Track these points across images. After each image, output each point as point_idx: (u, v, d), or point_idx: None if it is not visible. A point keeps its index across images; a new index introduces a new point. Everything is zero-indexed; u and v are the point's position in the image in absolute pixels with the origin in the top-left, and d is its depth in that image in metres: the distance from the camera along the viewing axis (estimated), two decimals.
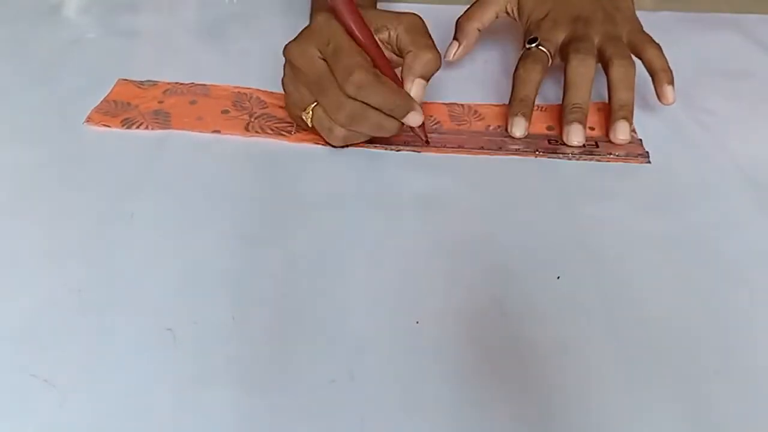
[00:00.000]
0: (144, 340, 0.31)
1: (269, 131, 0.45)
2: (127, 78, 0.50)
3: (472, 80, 0.52)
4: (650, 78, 0.46)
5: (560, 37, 0.47)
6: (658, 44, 0.47)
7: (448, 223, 0.39)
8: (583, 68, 0.45)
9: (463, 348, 0.32)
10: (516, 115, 0.45)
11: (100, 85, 0.49)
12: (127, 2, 0.63)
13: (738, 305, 0.34)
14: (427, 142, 0.44)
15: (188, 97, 0.48)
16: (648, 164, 0.44)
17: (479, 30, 0.51)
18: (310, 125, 0.42)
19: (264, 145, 0.44)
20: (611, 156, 0.44)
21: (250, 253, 0.36)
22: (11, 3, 0.61)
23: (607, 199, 0.41)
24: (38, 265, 0.35)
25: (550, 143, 0.45)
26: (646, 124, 0.47)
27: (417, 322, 0.33)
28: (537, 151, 0.44)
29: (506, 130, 0.46)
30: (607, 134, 0.46)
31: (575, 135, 0.44)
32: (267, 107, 0.48)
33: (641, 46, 0.47)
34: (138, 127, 0.45)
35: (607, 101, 0.47)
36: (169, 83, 0.50)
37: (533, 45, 0.47)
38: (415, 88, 0.41)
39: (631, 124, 0.45)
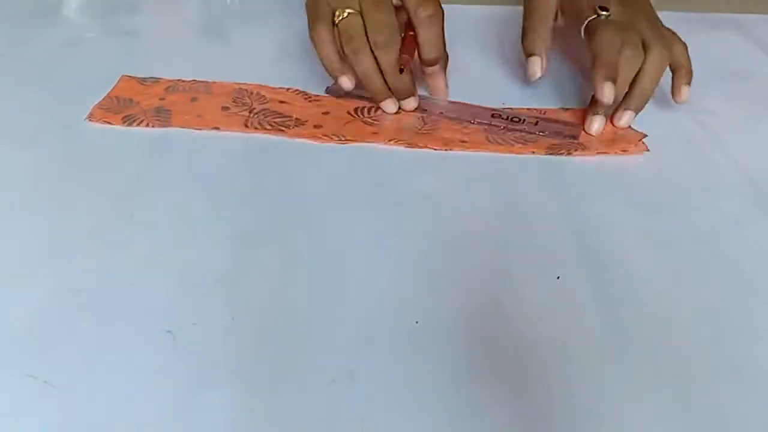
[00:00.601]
0: (144, 342, 0.31)
1: (268, 126, 0.45)
2: (130, 75, 0.51)
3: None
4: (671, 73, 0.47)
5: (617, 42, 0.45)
6: (684, 42, 0.47)
7: (448, 222, 0.39)
8: (633, 63, 0.44)
9: (463, 348, 0.32)
10: (608, 79, 0.43)
11: (100, 84, 0.49)
12: (127, 2, 0.63)
13: (738, 305, 0.34)
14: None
15: (190, 95, 0.48)
16: (645, 164, 0.44)
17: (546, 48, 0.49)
18: (334, 26, 0.44)
19: (263, 143, 0.44)
20: (543, 134, 0.45)
21: (249, 254, 0.36)
22: (11, 3, 0.61)
23: (607, 198, 0.41)
24: (38, 266, 0.35)
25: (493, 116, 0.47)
26: (646, 123, 0.47)
27: (417, 322, 0.33)
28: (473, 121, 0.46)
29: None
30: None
31: (598, 124, 0.45)
32: (267, 102, 0.48)
33: (670, 41, 0.47)
34: (139, 125, 0.45)
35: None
36: (171, 80, 0.50)
37: (604, 14, 0.46)
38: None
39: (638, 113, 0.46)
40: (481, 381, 0.30)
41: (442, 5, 0.45)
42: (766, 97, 0.51)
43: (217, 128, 0.45)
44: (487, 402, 0.29)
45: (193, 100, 0.48)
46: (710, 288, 0.35)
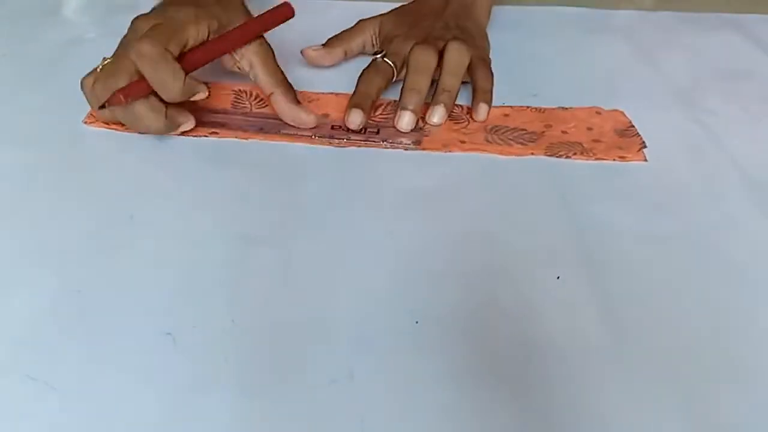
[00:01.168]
0: (144, 343, 0.31)
1: (266, 132, 0.45)
2: None
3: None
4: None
5: (408, 48, 0.47)
6: (491, 71, 0.49)
7: (448, 223, 0.39)
8: (424, 56, 0.46)
9: (463, 348, 0.32)
10: (354, 106, 0.45)
11: None
12: (127, 2, 0.63)
13: (738, 305, 0.34)
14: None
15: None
16: (645, 163, 0.44)
17: (345, 53, 0.53)
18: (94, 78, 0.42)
19: (262, 146, 0.44)
20: (385, 143, 0.45)
21: (249, 255, 0.36)
22: (11, 3, 0.61)
23: (607, 199, 0.41)
24: (37, 267, 0.35)
25: (333, 128, 0.46)
26: (646, 123, 0.47)
27: (417, 322, 0.33)
28: (314, 136, 0.45)
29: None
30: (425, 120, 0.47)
31: (408, 120, 0.45)
32: (265, 106, 0.48)
33: (475, 63, 0.48)
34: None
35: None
36: None
37: (379, 57, 0.48)
38: (307, 116, 0.45)
39: (449, 110, 0.46)
40: (481, 381, 0.30)
41: None
42: (766, 97, 0.51)
43: (215, 133, 0.45)
44: (487, 402, 0.29)
45: (191, 103, 0.48)
46: (710, 288, 0.35)
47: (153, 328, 0.32)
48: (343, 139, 0.45)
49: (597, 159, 0.44)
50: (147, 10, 0.43)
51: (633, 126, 0.47)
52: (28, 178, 0.41)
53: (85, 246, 0.36)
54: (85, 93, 0.43)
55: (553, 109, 0.49)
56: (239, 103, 0.48)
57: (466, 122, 0.47)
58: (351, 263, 0.36)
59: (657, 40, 0.58)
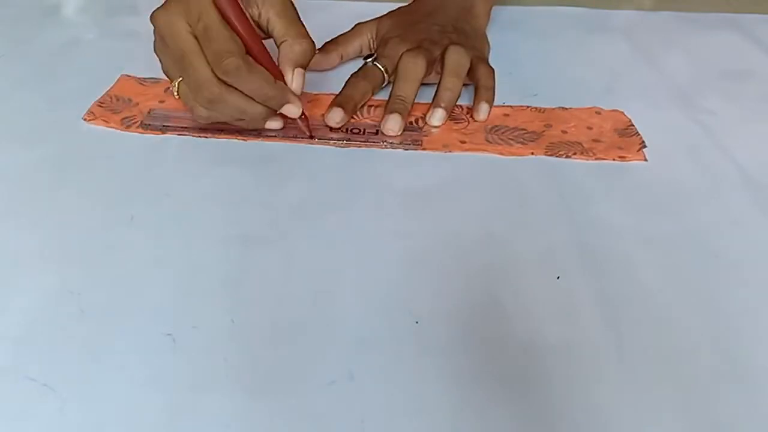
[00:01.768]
0: (143, 344, 0.31)
1: (265, 135, 0.45)
2: (129, 74, 0.51)
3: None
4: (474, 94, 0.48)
5: (402, 51, 0.47)
6: (492, 68, 0.49)
7: (448, 223, 0.39)
8: (413, 64, 0.46)
9: (463, 348, 0.32)
10: (336, 105, 0.45)
11: (100, 85, 0.49)
12: (127, 2, 0.63)
13: (738, 305, 0.34)
14: (312, 136, 0.44)
15: None
16: (645, 163, 0.44)
17: (342, 57, 0.53)
18: (176, 97, 0.42)
19: (262, 146, 0.44)
20: (385, 143, 0.45)
21: (249, 256, 0.36)
22: (11, 3, 0.61)
23: (607, 199, 0.41)
24: (37, 268, 0.35)
25: (331, 130, 0.46)
26: (646, 123, 0.47)
27: (417, 323, 0.33)
28: (313, 137, 0.45)
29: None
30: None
31: (392, 123, 0.45)
32: None
33: (475, 64, 0.48)
34: (137, 128, 0.45)
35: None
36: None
37: (369, 60, 0.48)
38: (295, 79, 0.41)
39: (449, 111, 0.46)
40: (482, 381, 0.30)
41: None
42: (766, 97, 0.51)
43: (214, 136, 0.45)
44: (487, 402, 0.29)
45: None
46: (710, 288, 0.35)
47: (153, 328, 0.32)
48: (342, 140, 0.45)
49: (597, 159, 0.44)
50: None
51: (633, 125, 0.47)
52: (27, 178, 0.41)
53: (86, 246, 0.36)
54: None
55: (553, 108, 0.49)
56: None
57: (466, 122, 0.47)
58: (351, 262, 0.36)
59: (657, 40, 0.58)
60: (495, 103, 0.48)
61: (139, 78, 0.50)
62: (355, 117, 0.47)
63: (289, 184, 0.41)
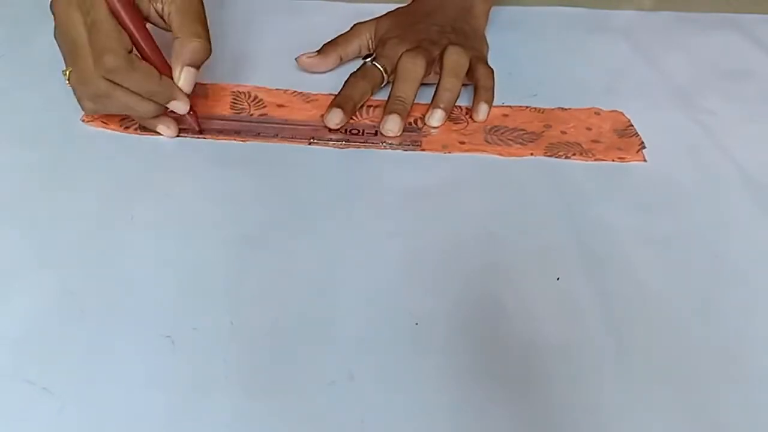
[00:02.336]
0: (143, 346, 0.31)
1: (265, 135, 0.45)
2: None
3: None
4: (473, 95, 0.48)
5: (401, 51, 0.47)
6: (491, 68, 0.49)
7: (447, 223, 0.39)
8: (412, 65, 0.46)
9: (463, 349, 0.32)
10: (335, 106, 0.45)
11: None
12: None
13: (738, 305, 0.34)
14: (201, 131, 0.44)
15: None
16: (645, 164, 0.44)
17: (341, 58, 0.52)
18: (68, 85, 0.41)
19: (262, 146, 0.44)
20: (384, 144, 0.44)
21: (248, 257, 0.36)
22: (11, 3, 0.61)
23: (607, 199, 0.41)
24: (36, 269, 0.35)
25: (331, 131, 0.45)
26: (645, 123, 0.47)
27: (416, 323, 0.33)
28: (313, 139, 0.45)
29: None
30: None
31: (391, 124, 0.44)
32: (265, 107, 0.48)
33: (474, 64, 0.48)
34: (136, 130, 0.45)
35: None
36: None
37: (368, 60, 0.48)
38: (183, 76, 0.41)
39: (448, 112, 0.46)
40: (481, 381, 0.30)
41: None
42: (766, 97, 0.51)
43: (214, 138, 0.45)
44: (487, 402, 0.29)
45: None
46: (710, 288, 0.35)
47: (152, 330, 0.32)
48: (341, 141, 0.45)
49: (596, 160, 0.44)
50: None
51: (632, 126, 0.47)
52: (28, 178, 0.41)
53: (85, 247, 0.36)
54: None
55: (553, 109, 0.49)
56: (237, 104, 0.48)
57: (466, 123, 0.47)
58: (351, 263, 0.36)
59: (657, 40, 0.58)
60: (494, 104, 0.48)
61: None
62: (354, 117, 0.47)
63: (288, 185, 0.41)
